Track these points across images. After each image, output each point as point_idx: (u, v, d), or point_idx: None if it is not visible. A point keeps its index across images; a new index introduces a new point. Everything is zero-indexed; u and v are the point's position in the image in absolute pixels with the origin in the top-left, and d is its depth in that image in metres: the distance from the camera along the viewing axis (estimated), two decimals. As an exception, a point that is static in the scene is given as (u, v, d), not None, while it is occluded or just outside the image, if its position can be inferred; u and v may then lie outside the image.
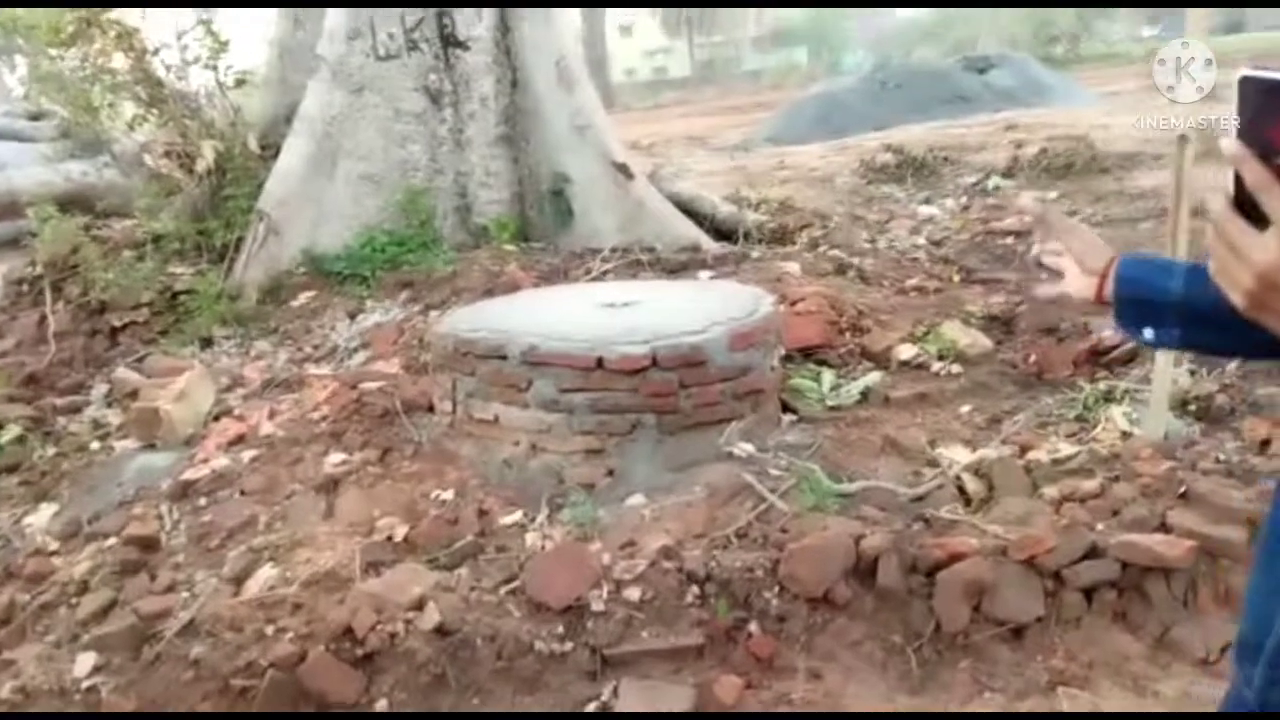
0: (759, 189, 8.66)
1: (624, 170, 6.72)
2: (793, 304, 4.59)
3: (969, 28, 48.69)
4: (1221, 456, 2.97)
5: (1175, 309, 1.15)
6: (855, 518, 2.93)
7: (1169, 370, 3.20)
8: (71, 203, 7.11)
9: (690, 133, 21.86)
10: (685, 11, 57.16)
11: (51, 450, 4.29)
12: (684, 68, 59.99)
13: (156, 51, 6.36)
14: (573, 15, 7.17)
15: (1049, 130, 12.18)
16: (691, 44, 59.91)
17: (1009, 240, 6.75)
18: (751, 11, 63.30)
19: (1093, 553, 2.58)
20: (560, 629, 2.66)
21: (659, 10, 58.76)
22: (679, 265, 5.97)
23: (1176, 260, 1.18)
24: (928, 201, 8.95)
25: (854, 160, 11.70)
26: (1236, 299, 0.78)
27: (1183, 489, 2.75)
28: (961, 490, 3.11)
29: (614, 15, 49.11)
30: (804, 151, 14.37)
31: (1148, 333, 1.19)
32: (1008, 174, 9.66)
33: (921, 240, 7.01)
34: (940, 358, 4.14)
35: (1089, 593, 2.55)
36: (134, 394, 4.58)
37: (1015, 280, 5.58)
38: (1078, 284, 1.28)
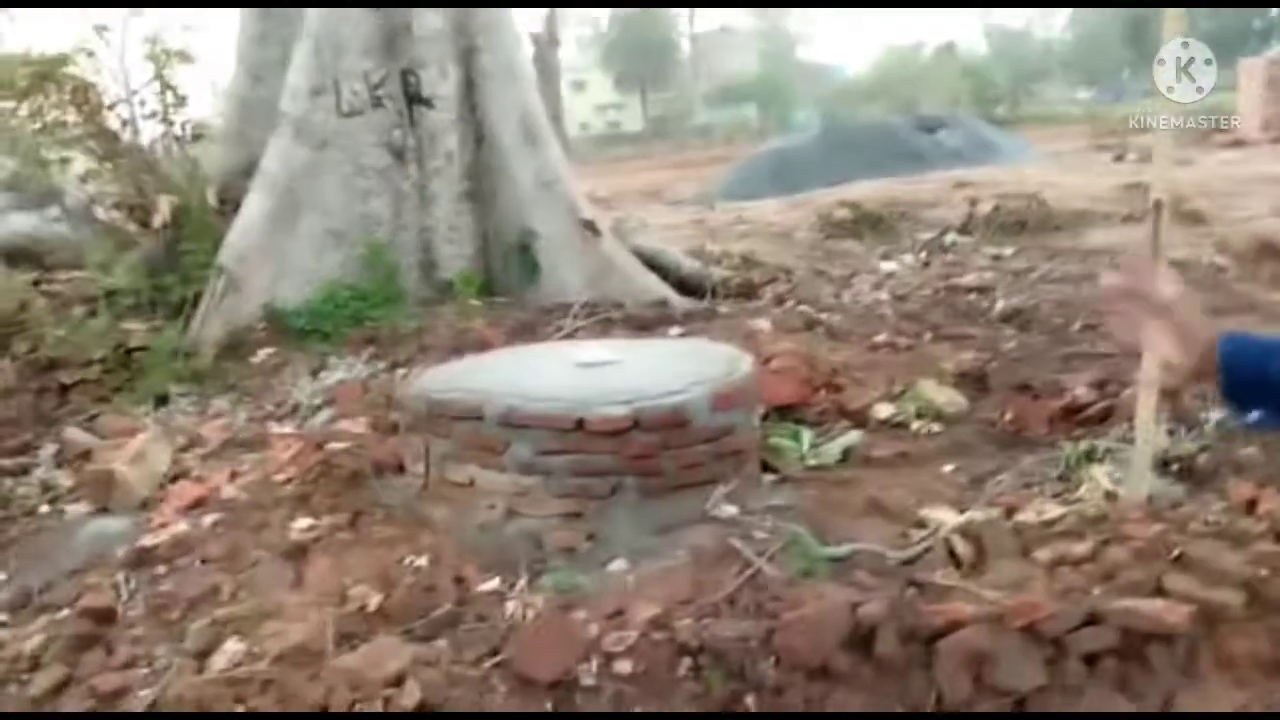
0: (720, 244, 8.71)
1: (590, 226, 6.72)
2: (766, 361, 4.56)
3: (911, 88, 50.21)
4: (1210, 518, 2.96)
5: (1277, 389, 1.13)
6: (847, 583, 2.87)
7: (1151, 430, 3.21)
8: (19, 256, 6.91)
9: (645, 187, 22.08)
10: (638, 68, 58.17)
11: (-1, 515, 4.08)
12: (636, 123, 60.90)
13: (113, 106, 6.24)
14: (529, 70, 7.25)
15: (999, 188, 12.46)
16: (644, 100, 60.89)
17: (971, 296, 6.83)
18: (702, 69, 64.64)
19: (1092, 619, 2.53)
20: (548, 705, 2.54)
21: (611, 67, 59.73)
22: (649, 321, 5.95)
23: (1276, 339, 1.16)
24: (887, 257, 9.08)
25: (810, 216, 11.86)
26: None
27: (1176, 552, 2.74)
28: (951, 553, 3.07)
29: (567, 72, 49.81)
30: (760, 206, 14.55)
31: (1254, 414, 1.16)
32: (964, 230, 9.85)
33: (885, 296, 7.07)
34: (919, 416, 4.13)
35: (1090, 660, 2.51)
36: (86, 455, 4.40)
37: (982, 336, 5.63)
38: (1175, 351, 1.23)
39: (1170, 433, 3.59)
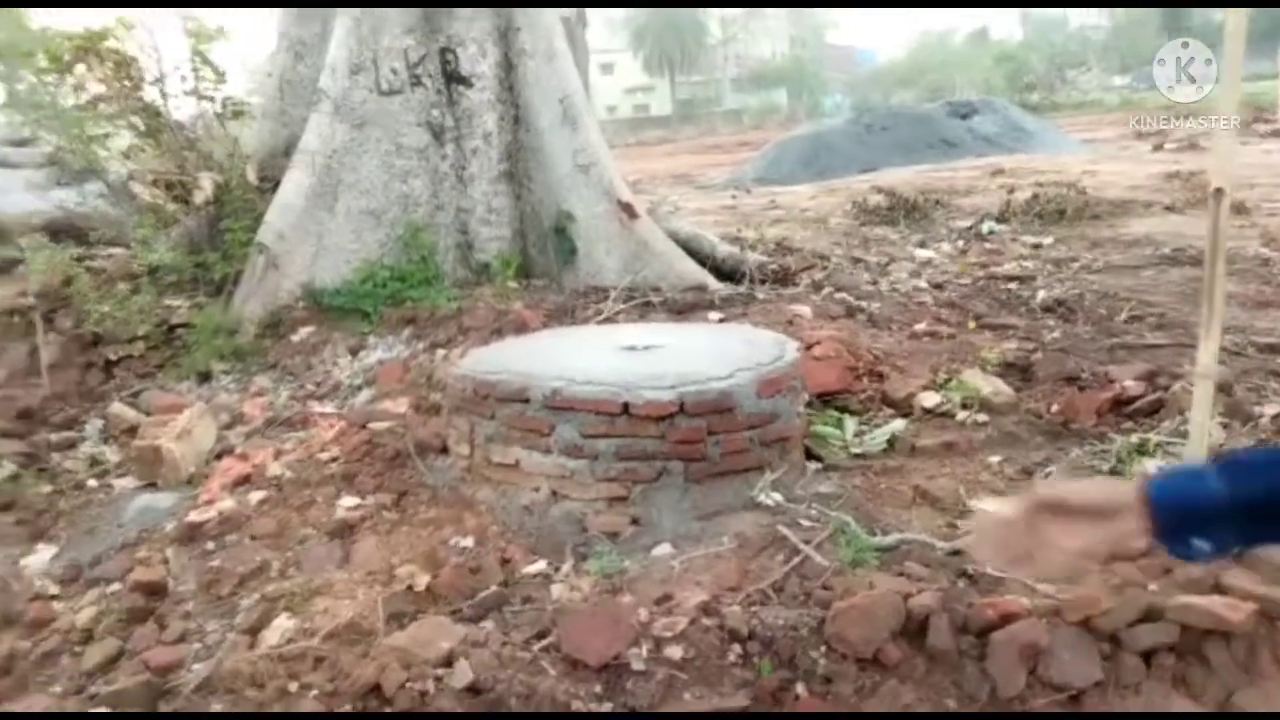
0: (754, 229, 8.66)
1: (628, 209, 6.68)
2: (809, 348, 4.53)
3: (943, 73, 49.64)
4: (1268, 514, 2.92)
5: (1226, 513, 1.05)
6: (897, 574, 2.85)
7: (1205, 423, 3.15)
8: (61, 232, 6.97)
9: (674, 170, 22.01)
10: (666, 51, 57.87)
11: (47, 488, 4.13)
12: (665, 106, 60.64)
13: (156, 81, 6.26)
14: (567, 50, 7.17)
15: (1036, 175, 12.34)
16: (673, 83, 60.60)
17: (1011, 285, 6.76)
18: (731, 53, 64.20)
19: (1149, 615, 2.50)
20: (598, 689, 2.54)
21: (640, 50, 59.43)
22: (686, 306, 5.92)
23: (1198, 464, 1.11)
24: (923, 244, 9.00)
25: (844, 201, 11.79)
26: None
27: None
28: (1001, 545, 3.04)
29: (596, 53, 49.61)
30: (793, 191, 14.47)
31: (1202, 546, 1.08)
32: (1001, 218, 9.74)
33: (923, 283, 7.01)
34: (964, 406, 4.08)
35: (1147, 656, 2.48)
36: (132, 430, 4.45)
37: (1024, 326, 5.57)
38: (1108, 534, 1.12)
39: (1224, 426, 3.53)
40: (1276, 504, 1.04)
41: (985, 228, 9.35)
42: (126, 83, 6.42)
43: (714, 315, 5.66)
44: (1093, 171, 12.37)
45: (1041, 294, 6.27)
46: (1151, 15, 46.37)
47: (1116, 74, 52.01)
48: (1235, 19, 2.97)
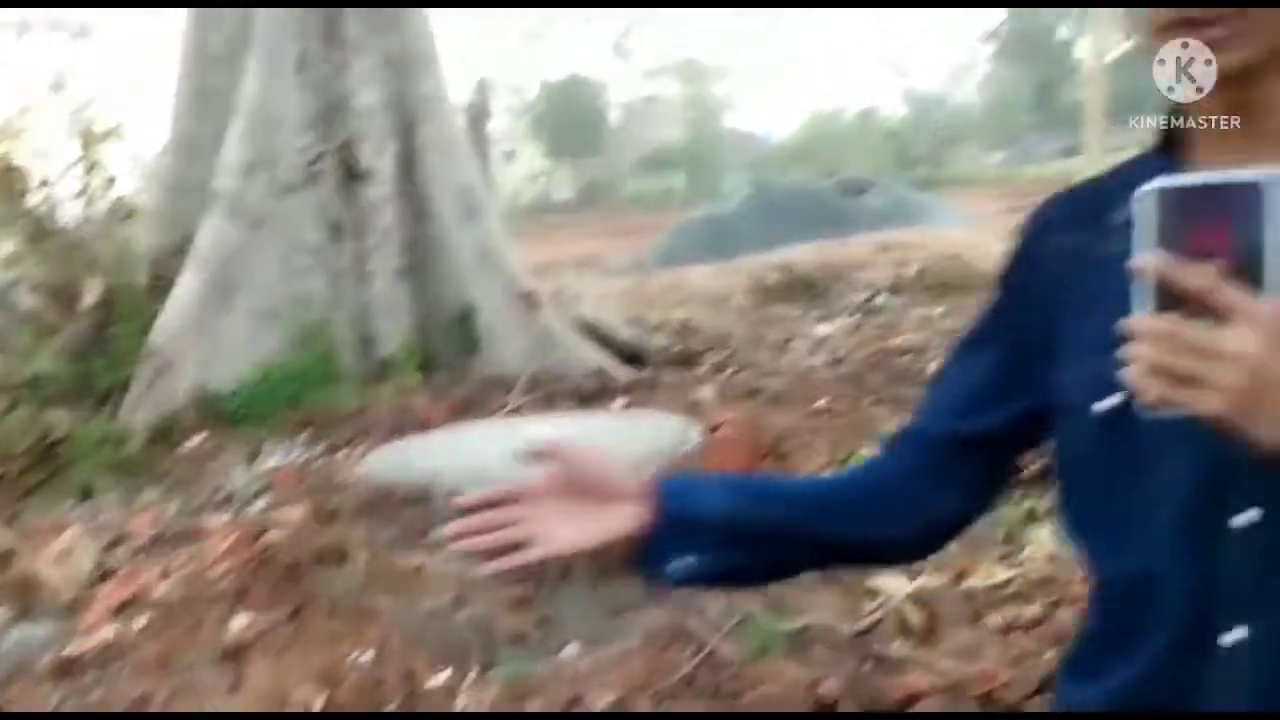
0: (657, 312, 8.78)
1: (530, 298, 6.72)
2: (713, 430, 4.57)
3: (835, 151, 51.63)
4: (1152, 576, 3.03)
5: (720, 528, 0.96)
6: (804, 660, 2.86)
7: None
8: (-68, 344, 6.66)
9: (576, 255, 22.20)
10: (567, 137, 58.97)
11: (-93, 628, 3.85)
12: (566, 191, 61.50)
13: (43, 184, 6.11)
14: (466, 142, 7.30)
15: (924, 249, 12.83)
16: (574, 168, 61.63)
17: (905, 358, 6.97)
18: (631, 135, 65.75)
19: (1046, 685, 2.55)
20: (506, 804, 2.46)
21: (541, 135, 60.43)
22: (591, 393, 5.93)
23: (721, 474, 1.07)
24: (821, 320, 9.23)
25: (745, 280, 12.03)
26: (1216, 406, 0.65)
27: (1123, 612, 2.79)
28: (904, 622, 3.08)
29: (498, 142, 50.17)
30: (694, 273, 14.72)
31: (686, 562, 0.95)
32: (894, 292, 10.08)
33: (822, 360, 7.17)
34: (863, 483, 4.16)
35: (1046, 727, 2.53)
36: (6, 557, 4.20)
37: (918, 398, 5.73)
38: (602, 527, 0.95)
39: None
40: (760, 533, 0.96)
41: (879, 301, 9.67)
42: (12, 189, 6.26)
43: (619, 402, 5.69)
44: (974, 244, 12.93)
45: (934, 365, 6.47)
46: (1023, 94, 49.24)
47: (993, 149, 54.82)
48: (1095, 93, 3.19)
